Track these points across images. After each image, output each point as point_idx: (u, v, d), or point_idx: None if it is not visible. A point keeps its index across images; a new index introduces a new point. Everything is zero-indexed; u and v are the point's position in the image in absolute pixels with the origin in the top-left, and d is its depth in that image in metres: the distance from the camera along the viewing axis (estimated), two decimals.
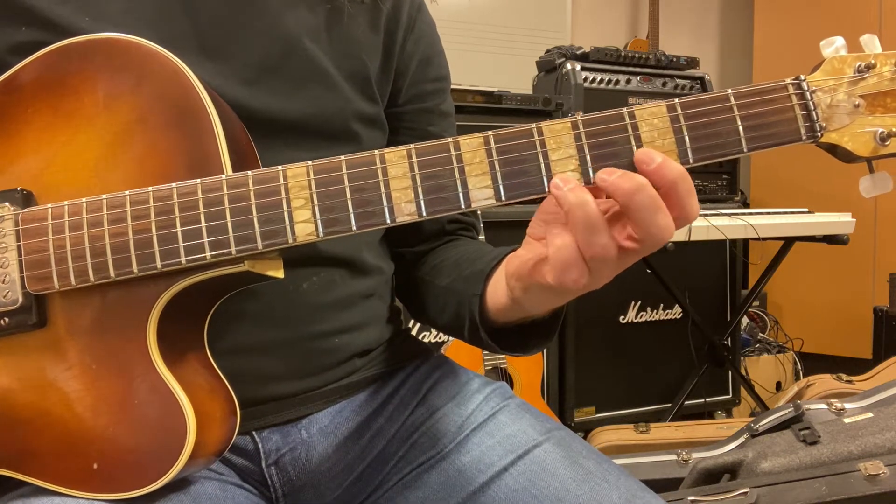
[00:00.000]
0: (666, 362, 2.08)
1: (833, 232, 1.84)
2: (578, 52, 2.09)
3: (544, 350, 1.90)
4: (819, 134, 0.46)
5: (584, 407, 1.99)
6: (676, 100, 0.46)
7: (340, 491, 0.64)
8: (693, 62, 2.22)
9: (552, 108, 1.91)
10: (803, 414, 1.25)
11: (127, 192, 0.49)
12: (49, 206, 0.50)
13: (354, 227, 0.47)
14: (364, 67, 0.65)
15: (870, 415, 1.23)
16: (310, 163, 0.48)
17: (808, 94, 0.46)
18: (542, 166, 0.46)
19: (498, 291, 0.55)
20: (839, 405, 1.33)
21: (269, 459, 0.62)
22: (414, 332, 1.58)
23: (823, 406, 1.32)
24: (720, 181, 2.21)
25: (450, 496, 0.60)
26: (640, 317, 2.07)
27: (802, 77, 0.46)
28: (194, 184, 0.48)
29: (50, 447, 0.50)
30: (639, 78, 2.12)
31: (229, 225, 0.48)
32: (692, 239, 1.64)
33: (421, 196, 0.47)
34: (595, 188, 0.45)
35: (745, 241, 2.25)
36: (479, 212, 1.47)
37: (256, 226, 0.48)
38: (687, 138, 0.46)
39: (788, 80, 0.46)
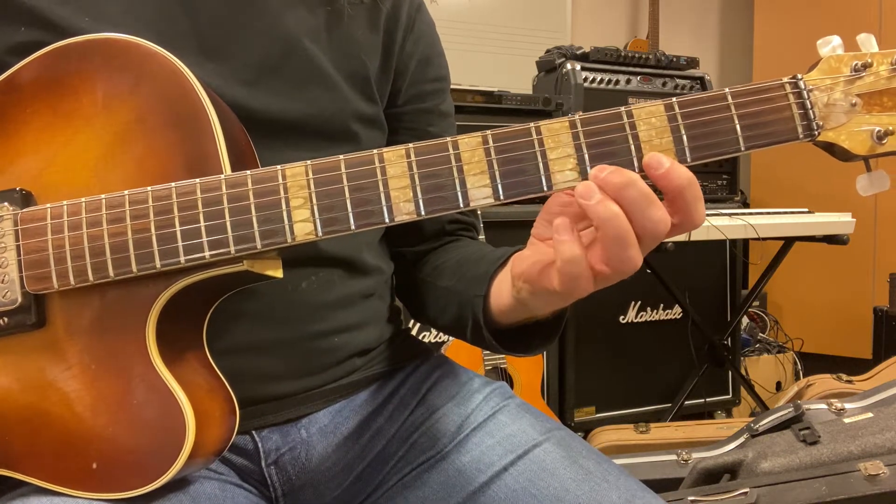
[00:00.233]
0: (666, 362, 2.08)
1: (833, 232, 1.84)
2: (578, 52, 2.09)
3: (544, 350, 1.90)
4: (816, 132, 0.46)
5: (584, 407, 1.99)
6: (674, 99, 0.46)
7: (340, 491, 0.64)
8: (693, 62, 2.22)
9: (552, 108, 1.91)
10: (803, 414, 1.25)
11: (126, 192, 0.49)
12: (48, 206, 0.50)
13: (353, 227, 0.47)
14: (363, 68, 0.65)
15: (870, 415, 1.23)
16: (308, 162, 0.48)
17: (804, 92, 0.46)
18: (541, 165, 0.46)
19: (502, 293, 0.55)
20: (839, 405, 1.33)
21: (269, 459, 0.62)
22: (414, 332, 1.58)
23: (823, 406, 1.32)
24: (720, 181, 2.21)
25: (450, 496, 0.60)
26: (640, 317, 2.07)
27: (799, 76, 0.47)
28: (193, 183, 0.49)
29: (49, 447, 0.50)
30: (639, 78, 2.12)
31: (228, 224, 0.48)
32: (692, 239, 1.64)
33: (419, 195, 0.47)
34: None
35: (745, 241, 2.25)
36: (479, 212, 1.47)
37: (255, 225, 0.48)
38: (685, 137, 0.46)
39: (785, 79, 0.46)
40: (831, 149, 0.47)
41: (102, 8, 0.56)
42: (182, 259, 0.48)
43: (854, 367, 2.05)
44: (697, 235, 1.64)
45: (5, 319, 0.51)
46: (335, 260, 0.64)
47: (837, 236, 1.84)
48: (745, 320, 2.45)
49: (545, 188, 0.46)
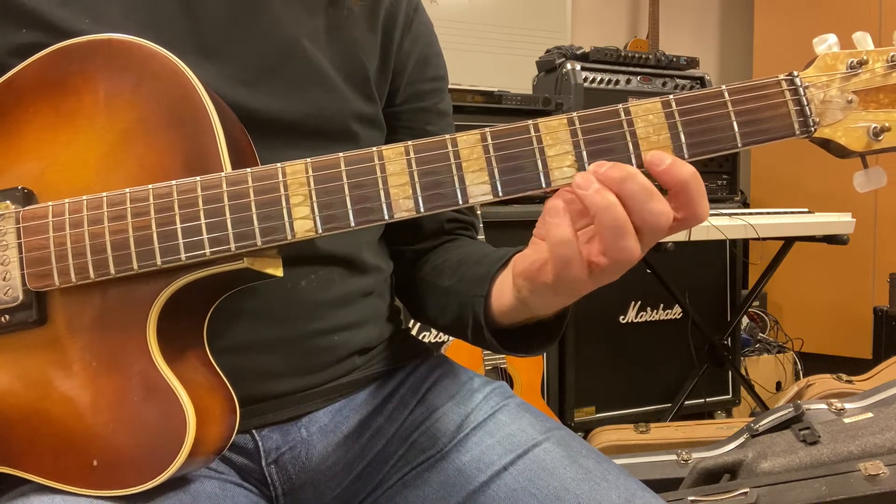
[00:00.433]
0: (666, 362, 2.08)
1: (833, 232, 1.84)
2: (578, 52, 2.09)
3: (546, 350, 1.90)
4: (812, 129, 0.46)
5: (584, 407, 1.99)
6: (671, 96, 0.47)
7: (340, 490, 0.64)
8: (693, 62, 2.22)
9: (552, 108, 1.91)
10: (803, 414, 1.25)
11: (127, 190, 0.49)
12: (49, 203, 0.51)
13: (353, 224, 0.48)
14: (363, 68, 0.65)
15: (870, 415, 1.23)
16: (308, 160, 0.48)
17: (801, 89, 0.46)
18: (539, 162, 0.47)
19: (503, 292, 0.55)
20: (839, 405, 1.33)
21: (269, 458, 0.62)
22: (414, 332, 1.58)
23: (823, 406, 1.32)
24: (720, 181, 2.21)
25: (449, 495, 0.61)
26: (640, 317, 2.07)
27: (796, 73, 0.47)
28: (194, 181, 0.49)
29: (49, 444, 0.50)
30: (639, 78, 2.13)
31: (229, 222, 0.48)
32: (692, 239, 1.64)
33: (419, 192, 0.47)
34: None
35: (745, 241, 2.25)
36: (478, 210, 1.47)
37: (255, 222, 0.48)
38: (682, 134, 0.46)
39: (782, 77, 0.47)
40: (828, 145, 0.47)
41: (102, 10, 0.56)
42: (183, 256, 0.48)
43: (854, 367, 2.04)
44: (697, 235, 1.64)
45: (7, 317, 0.51)
46: (335, 258, 0.64)
47: (837, 236, 1.84)
48: (745, 320, 2.44)
49: (543, 185, 0.47)
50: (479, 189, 0.47)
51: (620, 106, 0.46)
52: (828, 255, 2.43)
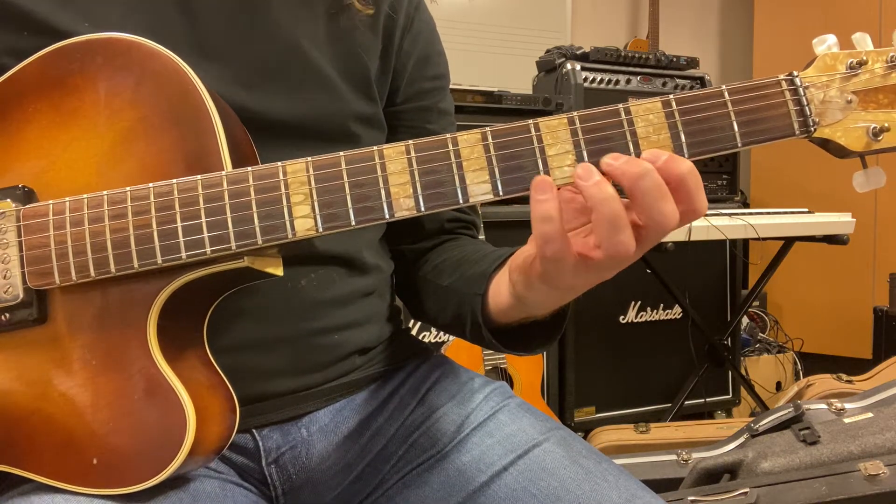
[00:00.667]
0: (666, 362, 2.08)
1: (833, 232, 1.84)
2: (578, 52, 2.09)
3: (546, 349, 1.91)
4: (812, 129, 0.46)
5: (584, 407, 1.99)
6: (671, 96, 0.47)
7: (340, 490, 0.64)
8: (693, 62, 2.22)
9: (552, 108, 1.91)
10: (803, 414, 1.25)
11: (128, 189, 0.49)
12: (50, 202, 0.51)
13: (353, 223, 0.48)
14: (364, 69, 0.65)
15: (870, 415, 1.23)
16: (309, 159, 0.48)
17: (800, 89, 0.47)
18: (539, 161, 0.47)
19: (501, 290, 0.55)
20: (839, 405, 1.33)
21: (269, 458, 0.62)
22: (414, 332, 1.58)
23: (823, 406, 1.32)
24: (720, 181, 2.21)
25: (450, 495, 0.61)
26: (640, 317, 2.07)
27: (795, 73, 0.47)
28: (195, 180, 0.49)
29: (49, 442, 0.50)
30: (639, 78, 2.13)
31: (229, 220, 0.48)
32: (692, 239, 1.64)
33: (419, 191, 0.47)
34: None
35: (745, 241, 2.25)
36: (479, 210, 1.47)
37: (256, 221, 0.48)
38: (682, 133, 0.46)
39: (781, 77, 0.47)
40: (827, 145, 0.47)
41: (102, 13, 0.56)
42: (183, 255, 0.48)
43: (854, 367, 2.04)
44: (697, 235, 1.64)
45: (7, 315, 0.51)
46: (335, 258, 0.64)
47: (837, 236, 1.84)
48: (745, 320, 2.45)
49: None
50: (479, 188, 0.47)
51: (621, 106, 0.46)
52: (828, 255, 2.43)
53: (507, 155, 0.47)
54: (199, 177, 0.49)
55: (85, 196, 0.50)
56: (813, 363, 2.48)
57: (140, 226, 0.49)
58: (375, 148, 0.48)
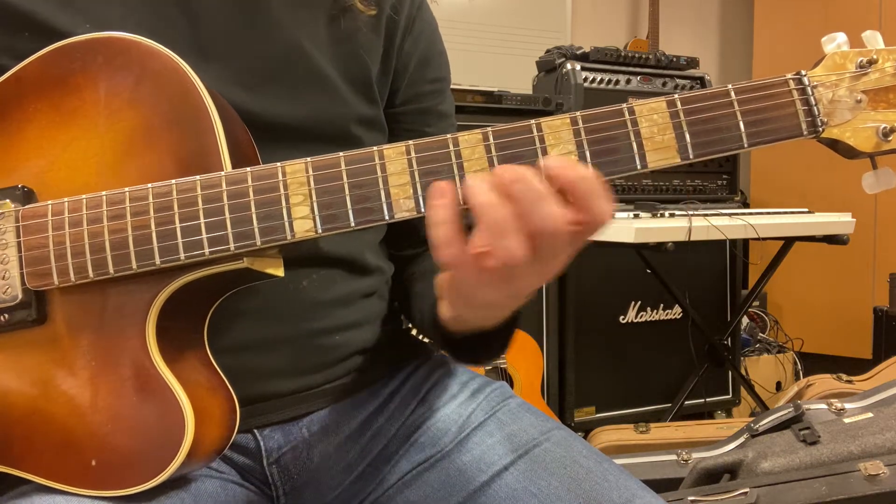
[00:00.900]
0: (666, 362, 2.08)
1: (833, 232, 1.84)
2: (578, 52, 2.09)
3: (544, 350, 1.91)
4: (820, 129, 0.46)
5: (584, 407, 1.99)
6: (676, 95, 0.46)
7: (341, 490, 0.64)
8: (693, 62, 2.22)
9: (552, 108, 1.91)
10: (803, 414, 1.25)
11: (126, 189, 0.49)
12: (49, 202, 0.50)
13: (353, 224, 0.47)
14: (366, 70, 0.65)
15: (870, 415, 1.23)
16: (308, 159, 0.48)
17: (809, 89, 0.46)
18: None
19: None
20: (839, 405, 1.33)
21: (271, 458, 0.62)
22: (414, 332, 1.57)
23: (823, 406, 1.32)
24: (720, 181, 2.21)
25: (450, 495, 0.60)
26: (640, 317, 2.07)
27: (803, 72, 0.46)
28: (193, 180, 0.49)
29: (48, 444, 0.50)
30: (639, 78, 2.12)
31: (228, 221, 0.48)
32: (692, 239, 1.64)
33: (420, 192, 0.47)
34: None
35: (745, 241, 2.25)
36: None
37: (255, 222, 0.48)
38: (687, 134, 0.46)
39: (789, 76, 0.46)
40: (836, 146, 0.47)
41: (102, 13, 0.56)
42: (182, 256, 0.48)
43: (854, 367, 2.04)
44: (697, 235, 1.64)
45: (6, 316, 0.51)
46: (337, 259, 0.64)
47: (837, 236, 1.83)
48: (745, 320, 2.44)
49: None
50: None
51: (625, 105, 0.46)
52: (828, 255, 2.43)
53: (508, 156, 0.46)
54: (197, 177, 0.49)
55: (84, 197, 0.50)
56: (813, 363, 2.47)
57: (138, 227, 0.49)
58: (375, 148, 0.48)
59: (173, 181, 0.49)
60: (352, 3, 0.63)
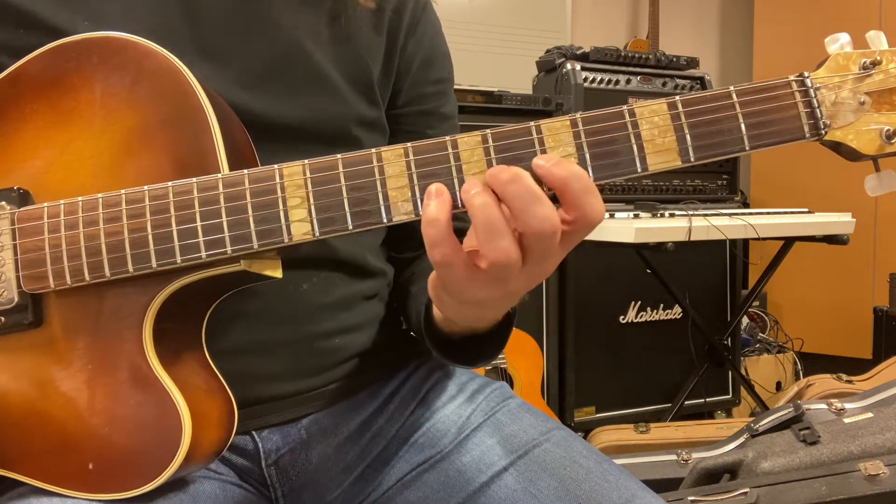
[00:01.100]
0: (666, 362, 2.08)
1: (833, 232, 1.84)
2: (578, 52, 2.09)
3: (544, 350, 1.90)
4: (823, 132, 0.45)
5: (584, 407, 1.99)
6: (677, 97, 0.46)
7: (340, 491, 0.64)
8: (693, 62, 2.22)
9: (552, 108, 1.91)
10: (803, 414, 1.25)
11: (122, 192, 0.49)
12: (45, 205, 0.50)
13: (351, 227, 0.47)
14: (367, 71, 0.64)
15: (870, 415, 1.23)
16: (306, 162, 0.48)
17: (811, 91, 0.45)
18: None
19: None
20: (839, 405, 1.33)
21: (269, 459, 0.62)
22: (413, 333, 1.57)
23: (823, 406, 1.32)
24: (720, 181, 2.21)
25: (450, 496, 0.60)
26: (640, 317, 2.07)
27: (806, 74, 0.46)
28: (190, 183, 0.48)
29: (45, 447, 0.50)
30: (639, 78, 2.12)
31: (225, 224, 0.48)
32: (692, 239, 1.63)
33: (418, 195, 0.47)
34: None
35: (745, 241, 2.25)
36: None
37: (252, 225, 0.47)
38: (688, 136, 0.45)
39: (792, 77, 0.46)
40: (839, 148, 0.46)
41: (101, 11, 0.56)
42: (178, 259, 0.48)
43: (854, 367, 2.04)
44: (697, 235, 1.64)
45: (2, 318, 0.50)
46: (338, 262, 0.63)
47: (837, 236, 1.83)
48: (745, 320, 2.44)
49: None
50: None
51: (625, 107, 0.46)
52: (828, 255, 2.43)
53: (508, 158, 0.46)
54: (194, 180, 0.48)
55: (80, 199, 0.50)
56: (813, 363, 2.48)
57: (135, 229, 0.48)
58: (374, 150, 0.47)
59: (170, 183, 0.48)
60: None
